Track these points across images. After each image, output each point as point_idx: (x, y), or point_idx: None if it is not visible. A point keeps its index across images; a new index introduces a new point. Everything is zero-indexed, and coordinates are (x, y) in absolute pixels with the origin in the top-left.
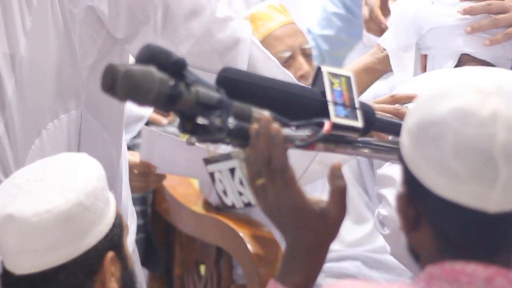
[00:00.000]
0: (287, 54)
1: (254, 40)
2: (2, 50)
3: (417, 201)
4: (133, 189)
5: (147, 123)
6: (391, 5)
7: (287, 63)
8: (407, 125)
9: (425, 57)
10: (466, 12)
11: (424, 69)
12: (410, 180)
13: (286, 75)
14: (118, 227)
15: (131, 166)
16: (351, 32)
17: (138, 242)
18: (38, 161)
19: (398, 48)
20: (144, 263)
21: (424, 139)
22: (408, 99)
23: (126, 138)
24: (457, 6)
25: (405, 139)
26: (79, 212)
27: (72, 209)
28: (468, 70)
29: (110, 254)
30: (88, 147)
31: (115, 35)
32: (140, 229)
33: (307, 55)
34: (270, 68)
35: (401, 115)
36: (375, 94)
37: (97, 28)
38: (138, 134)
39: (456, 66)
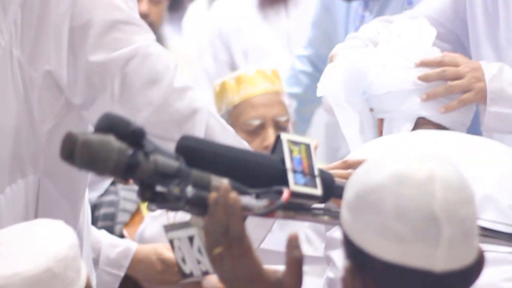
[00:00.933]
0: (257, 122)
1: (211, 110)
2: None
3: (363, 273)
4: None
5: (113, 182)
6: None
7: (256, 131)
8: (346, 199)
9: (381, 121)
10: (421, 78)
11: (380, 133)
12: (354, 252)
13: (241, 144)
14: None
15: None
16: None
17: None
18: (15, 225)
19: (343, 102)
20: None
21: (364, 207)
22: (361, 164)
23: (92, 196)
24: (412, 71)
25: (344, 213)
26: (48, 278)
27: (40, 274)
28: (420, 135)
29: None
30: (45, 213)
31: (73, 101)
32: None
33: (280, 127)
34: (227, 137)
35: None
36: None
37: (56, 93)
38: (105, 192)
39: (413, 129)
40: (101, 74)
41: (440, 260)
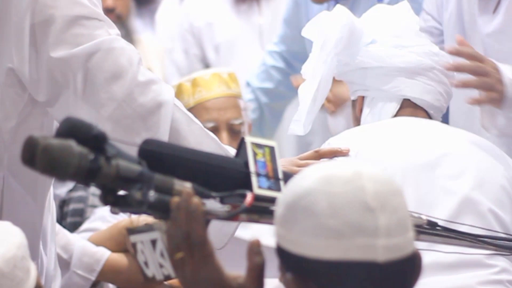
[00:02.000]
0: (210, 125)
1: (176, 103)
2: None
3: (307, 281)
4: None
5: None
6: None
7: None
8: (277, 216)
9: (362, 98)
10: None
11: (360, 112)
12: (294, 263)
13: (209, 137)
14: None
15: None
16: (290, 86)
17: None
18: None
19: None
20: None
21: (297, 214)
22: (332, 154)
23: (61, 191)
24: (403, 50)
25: (278, 230)
26: None
27: None
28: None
29: None
30: (10, 210)
31: (37, 98)
32: None
33: (234, 131)
34: (193, 130)
35: None
36: None
37: (19, 91)
38: (74, 187)
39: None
40: (63, 70)
41: (381, 249)
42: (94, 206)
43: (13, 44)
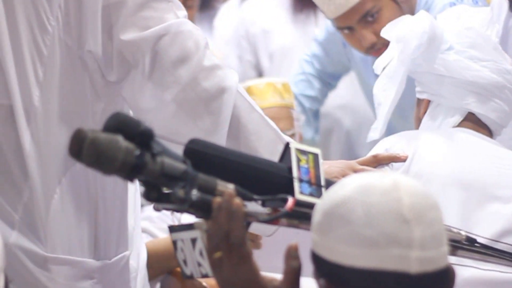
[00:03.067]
0: None
1: (240, 90)
2: (17, 104)
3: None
4: None
5: None
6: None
7: None
8: (313, 223)
9: (428, 102)
10: None
11: (423, 114)
12: (328, 270)
13: (268, 126)
14: None
15: None
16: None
17: None
18: None
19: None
20: None
21: (333, 221)
22: (390, 159)
23: None
24: (479, 65)
25: (314, 236)
26: None
27: None
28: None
29: None
30: (104, 191)
31: (108, 78)
32: None
33: None
34: (254, 118)
35: None
36: None
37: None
38: None
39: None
40: (132, 52)
41: (415, 261)
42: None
43: (89, 27)
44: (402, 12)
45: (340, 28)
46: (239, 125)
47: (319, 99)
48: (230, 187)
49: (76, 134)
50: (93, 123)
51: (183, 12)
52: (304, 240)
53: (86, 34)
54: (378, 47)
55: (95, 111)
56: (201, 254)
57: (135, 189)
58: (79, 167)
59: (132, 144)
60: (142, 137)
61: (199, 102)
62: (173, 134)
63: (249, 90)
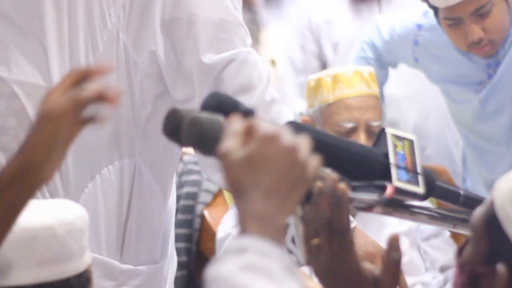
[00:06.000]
0: (349, 125)
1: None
2: None
3: None
4: None
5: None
6: None
7: (347, 134)
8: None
9: None
10: None
11: None
12: None
13: None
14: (85, 280)
15: None
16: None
17: (180, 278)
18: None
19: None
20: None
21: None
22: None
23: None
24: None
25: (507, 211)
26: (47, 236)
27: (40, 230)
28: None
29: None
30: (139, 195)
31: (174, 94)
32: (183, 266)
33: (372, 132)
34: None
35: None
36: None
37: (156, 79)
38: (188, 171)
39: None
40: (203, 75)
41: None
42: (208, 191)
43: (150, 29)
44: (510, 13)
45: (447, 18)
46: None
47: (382, 83)
48: (327, 171)
49: (171, 113)
50: (135, 128)
51: (250, 39)
52: None
53: (146, 36)
54: (484, 43)
55: (140, 116)
56: (293, 241)
57: (172, 198)
58: (116, 168)
59: None
60: (243, 117)
61: None
62: None
63: (336, 78)
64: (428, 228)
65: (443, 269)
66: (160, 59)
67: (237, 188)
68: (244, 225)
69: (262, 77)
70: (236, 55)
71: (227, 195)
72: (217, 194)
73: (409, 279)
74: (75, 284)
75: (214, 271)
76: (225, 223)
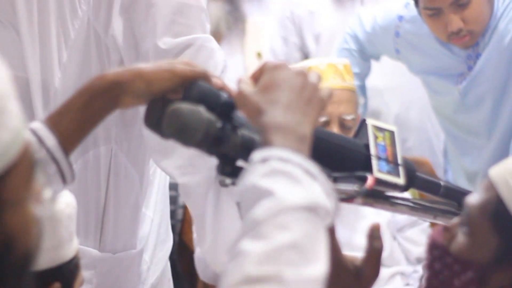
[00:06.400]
0: (323, 118)
1: None
2: (37, 83)
3: None
4: None
5: None
6: None
7: (322, 127)
8: None
9: None
10: None
11: None
12: None
13: None
14: (74, 267)
15: None
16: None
17: None
18: None
19: None
20: None
21: None
22: None
23: None
24: None
25: None
26: None
27: None
28: None
29: (57, 285)
30: (116, 183)
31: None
32: None
33: (345, 126)
34: None
35: None
36: None
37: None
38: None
39: None
40: (158, 60)
41: None
42: None
43: (115, 13)
44: (490, 4)
45: (427, 9)
46: None
47: (365, 75)
48: None
49: (153, 104)
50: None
51: (209, 26)
52: None
53: (112, 20)
54: (463, 34)
55: None
56: None
57: (164, 181)
58: (92, 156)
59: (213, 115)
60: (223, 108)
61: None
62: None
63: (309, 71)
64: (403, 218)
65: (419, 261)
66: (120, 44)
67: (258, 110)
68: (267, 139)
69: (217, 66)
70: (193, 40)
71: None
72: None
73: (389, 270)
74: (66, 271)
75: (241, 183)
76: None
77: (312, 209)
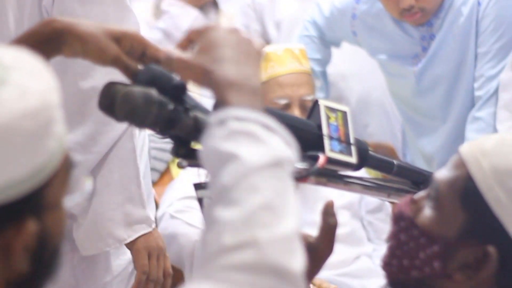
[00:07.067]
0: (284, 101)
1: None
2: None
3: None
4: None
5: None
6: None
7: (283, 110)
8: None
9: None
10: None
11: None
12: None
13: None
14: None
15: None
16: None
17: None
18: None
19: None
20: None
21: None
22: None
23: None
24: None
25: (502, 196)
26: None
27: None
28: None
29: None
30: None
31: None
32: None
33: (306, 107)
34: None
35: None
36: None
37: None
38: None
39: None
40: None
41: None
42: (155, 170)
43: None
44: None
45: None
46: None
47: (326, 61)
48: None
49: (106, 88)
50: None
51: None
52: None
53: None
54: (415, 11)
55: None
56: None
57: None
58: None
59: (165, 98)
60: (175, 91)
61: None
62: None
63: (267, 56)
64: (373, 201)
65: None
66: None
67: (204, 71)
68: (222, 97)
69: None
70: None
71: (174, 172)
72: (164, 173)
73: (352, 250)
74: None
75: (203, 149)
76: (162, 204)
77: (277, 164)
